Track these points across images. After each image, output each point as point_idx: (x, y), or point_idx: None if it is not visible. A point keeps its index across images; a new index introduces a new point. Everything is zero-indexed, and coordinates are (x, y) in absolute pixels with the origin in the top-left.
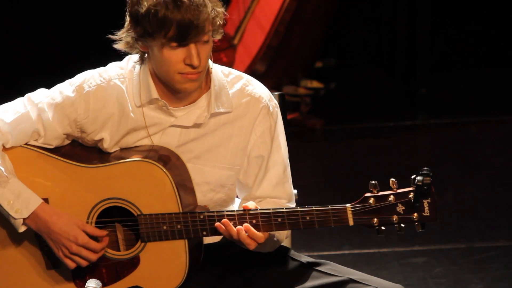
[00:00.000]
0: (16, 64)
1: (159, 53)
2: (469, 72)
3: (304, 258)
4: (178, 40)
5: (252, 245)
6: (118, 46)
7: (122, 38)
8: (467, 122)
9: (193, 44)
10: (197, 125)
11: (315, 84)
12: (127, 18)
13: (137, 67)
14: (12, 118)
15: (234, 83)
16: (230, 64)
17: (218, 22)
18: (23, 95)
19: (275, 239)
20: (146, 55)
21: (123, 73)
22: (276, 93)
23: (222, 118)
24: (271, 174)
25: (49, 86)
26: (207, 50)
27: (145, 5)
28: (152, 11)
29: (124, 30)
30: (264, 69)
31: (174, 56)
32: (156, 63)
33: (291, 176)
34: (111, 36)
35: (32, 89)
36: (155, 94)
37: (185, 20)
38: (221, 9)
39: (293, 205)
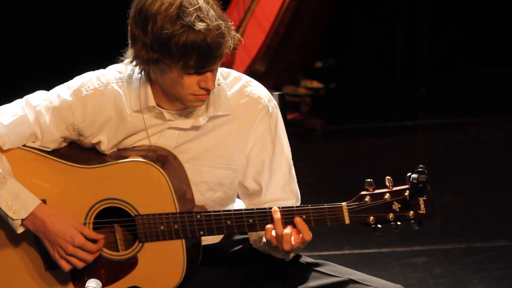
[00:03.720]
0: (16, 65)
1: (172, 77)
2: (469, 72)
3: (304, 258)
4: (196, 69)
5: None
6: (123, 63)
7: (130, 60)
8: (467, 122)
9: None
10: (195, 128)
11: (315, 84)
12: (137, 41)
13: (136, 71)
14: (9, 121)
15: (233, 84)
16: (230, 64)
17: (232, 46)
18: (22, 97)
19: None
20: (150, 69)
21: (121, 77)
22: (276, 93)
23: (220, 119)
24: (277, 177)
25: (49, 87)
26: (217, 70)
27: (162, 33)
28: (172, 42)
29: (132, 51)
30: (264, 69)
31: (189, 81)
32: (166, 83)
33: (295, 175)
34: (121, 58)
35: (32, 90)
36: (152, 102)
37: (205, 52)
38: (235, 34)
39: (298, 203)
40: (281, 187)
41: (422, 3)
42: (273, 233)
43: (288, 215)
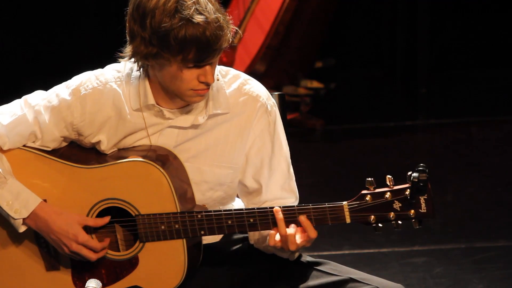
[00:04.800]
0: (15, 65)
1: (171, 71)
2: (469, 72)
3: (305, 257)
4: (195, 62)
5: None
6: (122, 60)
7: (129, 55)
8: (467, 122)
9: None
10: (194, 126)
11: (315, 84)
12: (135, 37)
13: (135, 69)
14: (8, 121)
15: (231, 82)
16: (230, 64)
17: (231, 40)
18: (21, 97)
19: None
20: (149, 65)
21: (120, 76)
22: (276, 93)
23: (219, 117)
24: (277, 175)
25: (48, 87)
26: (216, 64)
27: (160, 27)
28: (171, 35)
29: (131, 48)
30: (264, 69)
31: (189, 75)
32: (165, 78)
33: (293, 174)
34: (120, 54)
35: (31, 90)
36: (151, 100)
37: (204, 45)
38: (234, 28)
39: (297, 202)
40: (280, 186)
41: (422, 3)
42: (277, 237)
43: (290, 214)
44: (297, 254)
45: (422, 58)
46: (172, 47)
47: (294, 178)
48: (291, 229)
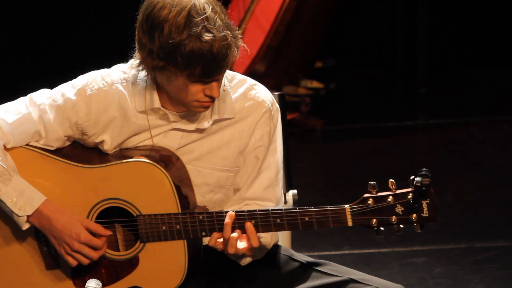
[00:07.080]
0: (18, 64)
1: (177, 84)
2: (469, 72)
3: (304, 258)
4: (201, 78)
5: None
6: (129, 66)
7: (137, 63)
8: (467, 122)
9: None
10: (199, 130)
11: (315, 84)
12: (144, 47)
13: (141, 71)
14: (13, 119)
15: (237, 87)
16: (229, 64)
17: (238, 56)
18: (25, 95)
19: (261, 245)
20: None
21: (126, 78)
22: (276, 93)
23: (224, 122)
24: (263, 177)
25: (51, 86)
26: (222, 79)
27: (168, 42)
28: (178, 51)
29: (139, 56)
30: (264, 69)
31: (194, 88)
32: (171, 89)
33: (282, 180)
34: (128, 62)
35: (35, 89)
36: (157, 103)
37: (210, 63)
38: (241, 43)
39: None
40: (264, 188)
41: (422, 3)
42: (219, 239)
43: (291, 217)
44: (248, 260)
45: (422, 58)
46: (178, 62)
47: (281, 185)
48: (234, 234)
